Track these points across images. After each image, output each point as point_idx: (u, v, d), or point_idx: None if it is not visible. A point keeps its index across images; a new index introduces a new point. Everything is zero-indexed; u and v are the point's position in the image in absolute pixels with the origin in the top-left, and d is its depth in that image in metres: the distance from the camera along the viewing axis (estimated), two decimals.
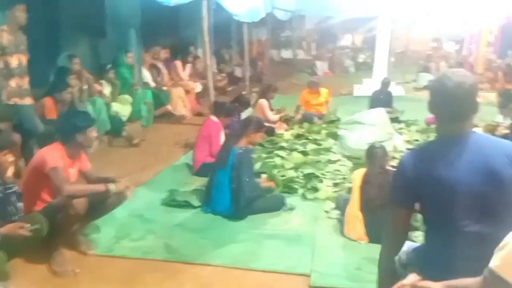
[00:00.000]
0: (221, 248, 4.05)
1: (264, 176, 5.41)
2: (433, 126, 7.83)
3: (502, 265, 1.51)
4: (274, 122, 7.81)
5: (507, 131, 5.60)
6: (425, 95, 8.36)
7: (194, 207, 4.82)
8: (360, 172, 4.42)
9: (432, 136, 7.19)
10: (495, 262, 1.54)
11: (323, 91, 8.92)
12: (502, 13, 13.05)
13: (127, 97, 7.55)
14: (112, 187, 3.70)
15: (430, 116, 8.10)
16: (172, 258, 3.87)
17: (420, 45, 15.06)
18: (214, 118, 6.01)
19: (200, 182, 5.36)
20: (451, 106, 2.01)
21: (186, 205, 4.84)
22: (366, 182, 4.26)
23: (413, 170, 2.05)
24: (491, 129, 7.28)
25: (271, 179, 5.36)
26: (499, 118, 6.81)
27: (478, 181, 1.91)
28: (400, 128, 7.91)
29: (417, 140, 7.19)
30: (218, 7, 8.19)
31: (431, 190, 2.02)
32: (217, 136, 5.81)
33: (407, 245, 2.43)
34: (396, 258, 2.39)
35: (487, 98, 10.24)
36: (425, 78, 13.03)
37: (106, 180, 3.83)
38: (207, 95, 8.57)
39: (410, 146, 6.77)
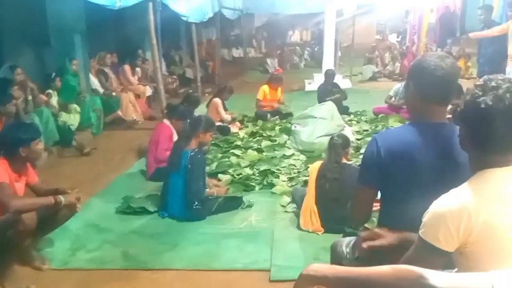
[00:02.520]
0: (180, 251, 4.03)
1: (217, 180, 5.42)
2: (381, 115, 8.06)
3: (425, 230, 1.64)
4: (228, 122, 7.81)
5: (449, 115, 5.82)
6: (371, 86, 8.63)
7: (150, 213, 4.76)
8: (316, 165, 4.48)
9: (380, 126, 7.40)
10: (420, 229, 1.67)
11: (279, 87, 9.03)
12: (440, 2, 13.51)
13: (75, 105, 7.37)
14: (61, 199, 3.61)
15: (377, 106, 8.39)
16: (130, 266, 3.81)
17: (365, 38, 15.39)
18: (166, 121, 5.95)
19: (155, 187, 5.31)
20: (442, 86, 2.07)
21: (142, 211, 4.76)
22: (321, 175, 4.31)
23: (384, 151, 2.09)
24: None
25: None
26: None
27: (444, 171, 2.00)
28: (350, 120, 8.08)
29: (366, 131, 7.37)
30: (165, 8, 8.10)
31: (400, 171, 2.07)
32: (164, 140, 5.74)
33: (354, 239, 2.49)
34: (345, 253, 2.46)
35: None
36: (370, 70, 13.35)
37: (56, 192, 3.73)
38: (158, 98, 8.47)
39: (360, 137, 6.94)
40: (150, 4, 7.39)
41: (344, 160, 4.42)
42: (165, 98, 8.35)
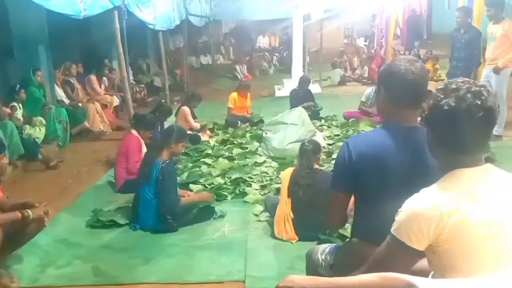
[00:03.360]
0: (153, 264, 3.94)
1: (194, 189, 5.34)
2: (351, 120, 8.12)
3: (398, 228, 1.67)
4: (198, 130, 7.74)
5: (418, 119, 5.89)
6: (340, 91, 8.67)
7: (121, 226, 4.66)
8: (288, 172, 4.46)
9: (351, 130, 7.45)
10: (393, 226, 1.69)
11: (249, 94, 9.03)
12: (406, 6, 13.76)
13: (40, 118, 7.18)
14: (29, 213, 3.50)
15: (348, 110, 8.43)
16: (102, 282, 3.71)
17: (333, 43, 15.53)
18: (133, 132, 5.84)
19: (125, 199, 5.21)
20: (412, 90, 2.10)
21: (112, 224, 4.66)
22: (294, 182, 4.29)
23: (357, 155, 2.10)
24: None
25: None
26: None
27: (414, 174, 2.02)
28: (321, 125, 8.10)
29: (337, 135, 7.40)
30: (131, 16, 7.98)
31: (372, 175, 2.09)
32: (134, 152, 5.64)
33: (329, 246, 2.50)
34: (320, 261, 2.45)
35: None
36: (338, 74, 13.47)
37: (23, 207, 3.62)
38: (125, 108, 8.34)
39: (331, 142, 6.96)
40: (116, 12, 7.27)
41: (316, 166, 4.41)
42: (133, 108, 8.23)
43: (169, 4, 10.30)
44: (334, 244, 2.52)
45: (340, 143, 6.75)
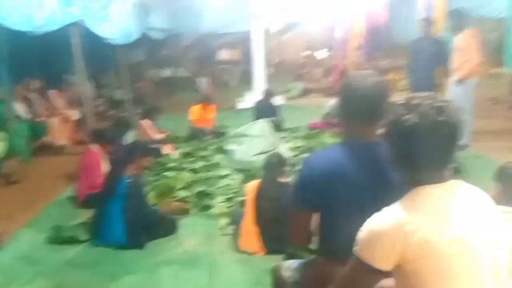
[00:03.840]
0: (116, 282, 3.90)
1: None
2: (315, 131, 8.24)
3: (360, 248, 1.64)
4: (160, 142, 7.71)
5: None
6: (302, 102, 8.75)
7: (82, 242, 4.59)
8: (253, 184, 4.46)
9: (314, 142, 7.55)
10: (355, 246, 1.66)
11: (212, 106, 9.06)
12: (367, 16, 14.00)
13: (1, 133, 7.02)
14: None
15: (312, 121, 8.50)
16: None
17: (294, 55, 15.72)
18: (93, 147, 5.78)
19: (87, 214, 5.09)
20: (367, 105, 2.08)
21: (73, 240, 4.59)
22: (259, 194, 4.30)
23: (319, 172, 2.08)
24: None
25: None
26: None
27: (375, 190, 2.00)
28: (284, 137, 8.18)
29: (299, 147, 7.48)
30: (89, 31, 7.91)
31: (334, 192, 2.06)
32: (94, 167, 5.57)
33: (295, 262, 2.49)
34: (286, 277, 2.44)
35: None
36: (298, 87, 13.61)
37: None
38: (86, 122, 8.23)
39: (295, 153, 7.04)
40: (73, 28, 7.20)
41: (281, 179, 4.43)
42: (95, 122, 8.12)
43: (127, 18, 10.23)
44: (300, 261, 2.50)
45: (304, 155, 6.83)
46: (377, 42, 15.09)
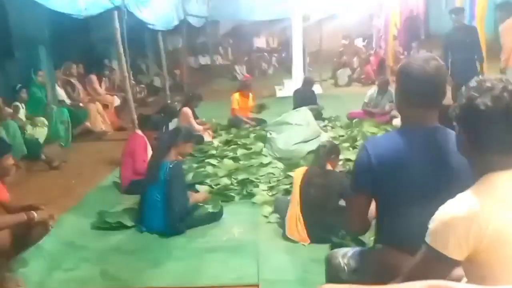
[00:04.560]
0: (161, 268, 3.87)
1: (203, 188, 5.26)
2: (355, 120, 8.07)
3: (433, 238, 1.59)
4: (199, 131, 7.66)
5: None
6: (342, 91, 8.60)
7: (128, 228, 4.57)
8: (301, 171, 4.38)
9: (355, 131, 7.39)
10: (427, 236, 1.62)
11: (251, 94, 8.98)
12: (404, 6, 13.70)
13: (42, 118, 7.09)
14: (34, 215, 3.41)
15: (353, 110, 8.38)
16: (111, 285, 3.64)
17: (332, 43, 15.48)
18: (139, 132, 5.76)
19: (131, 200, 5.11)
20: (428, 90, 2.03)
21: (119, 226, 4.57)
22: (306, 182, 4.21)
23: (377, 157, 2.04)
24: None
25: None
26: None
27: (437, 176, 1.96)
28: (325, 126, 8.03)
29: (342, 136, 7.33)
30: (130, 16, 7.91)
31: (393, 179, 2.03)
32: (141, 152, 5.57)
33: (352, 251, 2.44)
34: (342, 265, 2.38)
35: None
36: (345, 74, 13.41)
37: (28, 209, 3.51)
38: (127, 108, 8.26)
39: (337, 142, 6.86)
40: (116, 12, 7.20)
41: (329, 167, 4.33)
42: (134, 108, 8.15)
43: (168, 4, 10.24)
44: (357, 249, 2.46)
45: (346, 144, 6.71)
46: (414, 32, 14.77)
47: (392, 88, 9.07)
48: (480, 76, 1.62)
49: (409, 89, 2.08)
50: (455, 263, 1.59)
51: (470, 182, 1.85)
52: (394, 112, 8.46)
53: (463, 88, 1.63)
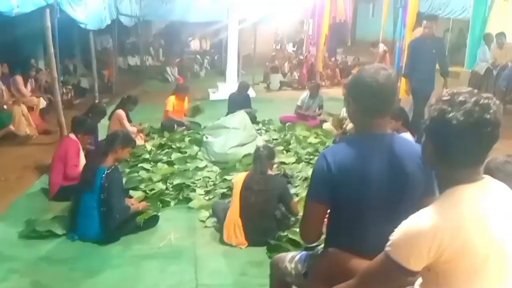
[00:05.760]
0: (96, 277, 3.76)
1: (135, 196, 5.15)
2: (288, 124, 8.22)
3: (395, 249, 1.60)
4: (134, 134, 7.49)
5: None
6: (277, 95, 8.69)
7: (58, 236, 4.39)
8: (241, 176, 4.43)
9: (288, 134, 7.53)
10: (389, 246, 1.62)
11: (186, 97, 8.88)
12: (334, 13, 14.15)
13: None
14: None
15: (285, 114, 8.52)
16: None
17: (265, 47, 15.67)
18: (72, 136, 5.55)
19: (61, 207, 4.90)
20: (380, 99, 2.07)
21: (49, 235, 4.38)
22: (247, 187, 4.26)
23: (333, 166, 2.05)
24: (338, 123, 7.86)
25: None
26: (344, 112, 7.28)
27: (393, 183, 1.99)
28: (259, 129, 8.12)
29: (275, 139, 7.44)
30: (62, 15, 7.61)
31: (352, 187, 2.04)
32: (72, 156, 5.36)
33: (298, 254, 2.46)
34: (289, 269, 2.42)
35: (328, 93, 11.11)
36: (278, 79, 13.61)
37: None
38: (52, 110, 7.90)
39: (271, 146, 6.96)
40: (47, 10, 6.89)
41: (270, 172, 4.42)
42: (61, 110, 7.81)
43: (100, 3, 9.95)
44: (305, 252, 2.47)
45: (280, 147, 6.82)
46: (339, 38, 15.27)
47: (322, 92, 9.35)
48: (450, 90, 1.61)
49: (362, 100, 2.12)
50: (413, 274, 1.62)
51: (425, 188, 1.89)
52: (323, 116, 8.75)
53: (434, 100, 1.63)
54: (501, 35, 10.21)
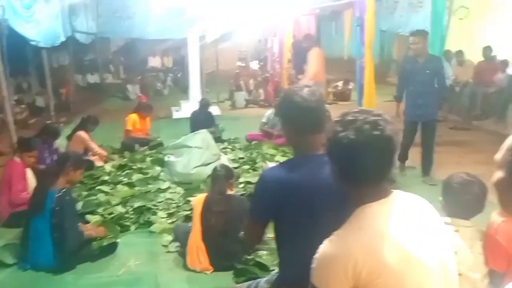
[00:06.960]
0: None
1: (92, 221, 4.85)
2: (254, 142, 8.04)
3: (316, 276, 1.61)
4: (103, 157, 7.18)
5: None
6: (242, 113, 8.56)
7: (9, 266, 4.12)
8: (200, 198, 4.23)
9: (255, 153, 7.35)
10: (311, 274, 1.63)
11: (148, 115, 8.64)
12: (297, 30, 14.16)
13: None
14: None
15: (251, 132, 8.30)
16: None
17: (229, 65, 15.56)
18: (16, 159, 5.22)
19: (12, 234, 4.60)
20: (308, 115, 2.11)
21: None
22: (206, 209, 4.08)
23: (274, 186, 2.11)
24: None
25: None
26: None
27: (328, 199, 1.99)
28: (224, 148, 7.90)
29: (242, 158, 7.24)
30: (11, 32, 7.28)
31: (291, 206, 2.09)
32: (17, 180, 5.06)
33: (253, 283, 2.53)
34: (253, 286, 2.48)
35: None
36: (242, 97, 13.47)
37: None
38: (5, 131, 7.49)
39: (237, 165, 6.78)
40: None
41: (229, 191, 4.25)
42: (14, 131, 7.41)
43: (53, 20, 9.62)
44: (259, 280, 2.53)
45: (246, 166, 6.63)
46: (303, 55, 15.30)
47: None
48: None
49: (290, 118, 2.19)
50: None
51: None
52: None
53: (332, 121, 1.68)
54: (460, 53, 10.45)
